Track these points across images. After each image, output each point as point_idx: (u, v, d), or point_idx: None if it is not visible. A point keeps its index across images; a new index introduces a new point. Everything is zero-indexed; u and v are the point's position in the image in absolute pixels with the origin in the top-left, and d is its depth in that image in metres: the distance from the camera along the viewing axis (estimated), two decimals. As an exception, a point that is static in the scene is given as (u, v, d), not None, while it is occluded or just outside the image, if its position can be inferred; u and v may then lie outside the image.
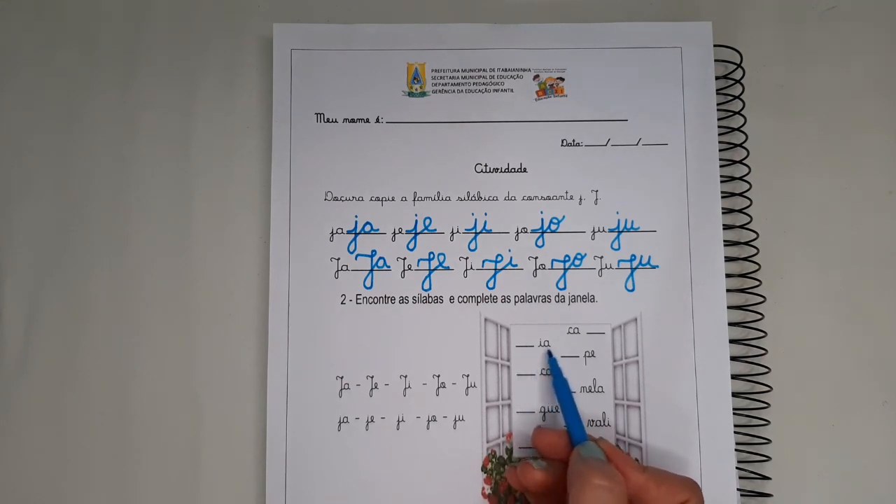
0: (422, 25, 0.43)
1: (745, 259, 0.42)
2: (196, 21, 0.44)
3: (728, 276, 0.41)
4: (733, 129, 0.43)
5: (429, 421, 0.40)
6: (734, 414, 0.40)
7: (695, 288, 0.41)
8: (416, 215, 0.42)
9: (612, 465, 0.34)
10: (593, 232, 0.42)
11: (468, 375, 0.40)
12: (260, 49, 0.44)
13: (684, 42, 0.43)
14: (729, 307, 0.41)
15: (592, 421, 0.40)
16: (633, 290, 0.41)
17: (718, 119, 0.42)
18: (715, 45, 0.43)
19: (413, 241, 0.42)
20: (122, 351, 0.42)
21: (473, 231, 0.42)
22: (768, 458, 0.40)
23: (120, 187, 0.43)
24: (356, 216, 0.42)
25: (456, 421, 0.40)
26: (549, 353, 0.40)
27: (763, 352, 0.41)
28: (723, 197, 0.42)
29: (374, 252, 0.42)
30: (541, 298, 0.41)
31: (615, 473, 0.33)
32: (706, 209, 0.41)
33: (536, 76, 0.43)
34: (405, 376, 0.40)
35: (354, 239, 0.42)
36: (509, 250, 0.42)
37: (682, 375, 0.40)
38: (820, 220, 0.43)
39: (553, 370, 0.40)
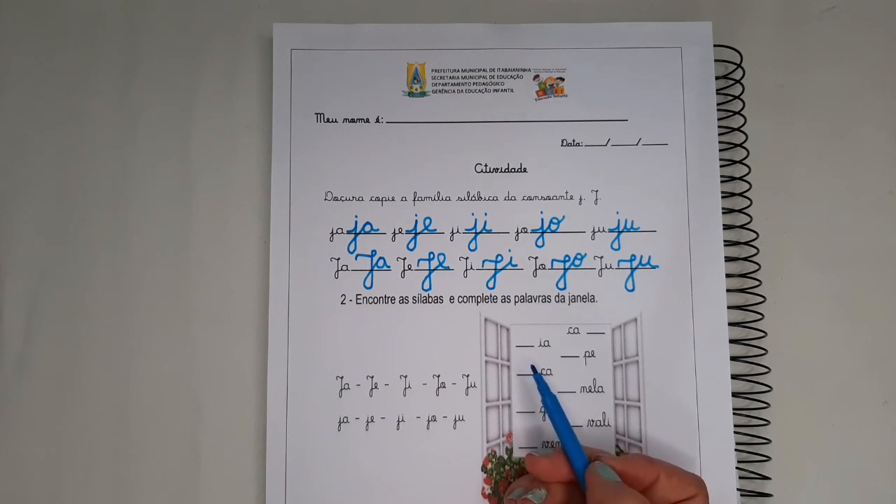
0: (422, 25, 0.43)
1: (745, 259, 0.42)
2: (196, 21, 0.44)
3: (728, 276, 0.41)
4: (733, 129, 0.43)
5: (429, 421, 0.40)
6: (734, 414, 0.40)
7: (695, 288, 0.41)
8: (416, 215, 0.42)
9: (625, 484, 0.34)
10: (593, 232, 0.42)
11: (468, 375, 0.40)
12: (260, 49, 0.44)
13: (684, 42, 0.43)
14: (729, 307, 0.41)
15: (592, 421, 0.40)
16: (633, 290, 0.41)
17: (718, 119, 0.42)
18: (715, 45, 0.43)
19: (413, 241, 0.42)
20: (121, 351, 0.42)
21: (473, 231, 0.42)
22: (768, 458, 0.40)
23: (120, 187, 0.43)
24: (356, 216, 0.42)
25: (456, 421, 0.40)
26: (534, 369, 0.40)
27: (763, 352, 0.41)
28: (723, 197, 0.42)
29: (374, 252, 0.42)
30: (541, 298, 0.41)
31: (643, 499, 0.33)
32: (706, 209, 0.41)
33: (536, 76, 0.43)
34: (405, 376, 0.40)
35: (354, 239, 0.42)
36: (509, 250, 0.42)
37: (682, 375, 0.40)
38: (820, 220, 0.43)
39: (540, 388, 0.39)
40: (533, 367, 0.40)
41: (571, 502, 0.36)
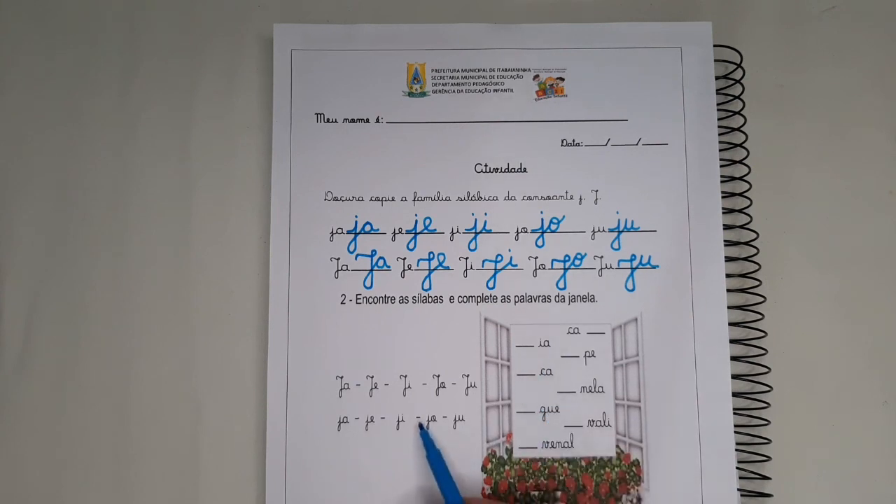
0: (422, 25, 0.43)
1: (745, 259, 0.42)
2: (196, 21, 0.44)
3: (728, 276, 0.41)
4: (733, 129, 0.43)
5: (429, 421, 0.40)
6: (734, 414, 0.40)
7: (695, 288, 0.41)
8: (416, 215, 0.42)
9: None
10: (593, 232, 0.42)
11: (468, 375, 0.40)
12: (260, 49, 0.44)
13: (684, 42, 0.43)
14: (729, 307, 0.41)
15: (592, 421, 0.40)
16: (633, 290, 0.41)
17: (718, 119, 0.42)
18: (715, 45, 0.43)
19: (413, 241, 0.42)
20: (121, 350, 0.42)
21: (473, 231, 0.42)
22: (768, 458, 0.40)
23: (120, 187, 0.43)
24: (356, 216, 0.42)
25: (456, 421, 0.40)
26: (421, 426, 0.40)
27: (763, 352, 0.41)
28: (723, 197, 0.42)
29: (374, 252, 0.42)
30: (541, 298, 0.41)
31: None
32: (706, 209, 0.41)
33: (536, 76, 0.43)
34: (405, 376, 0.40)
35: (354, 239, 0.42)
36: (509, 250, 0.42)
37: (682, 375, 0.40)
38: (820, 220, 0.43)
39: (425, 442, 0.39)
40: (420, 425, 0.40)
41: None
